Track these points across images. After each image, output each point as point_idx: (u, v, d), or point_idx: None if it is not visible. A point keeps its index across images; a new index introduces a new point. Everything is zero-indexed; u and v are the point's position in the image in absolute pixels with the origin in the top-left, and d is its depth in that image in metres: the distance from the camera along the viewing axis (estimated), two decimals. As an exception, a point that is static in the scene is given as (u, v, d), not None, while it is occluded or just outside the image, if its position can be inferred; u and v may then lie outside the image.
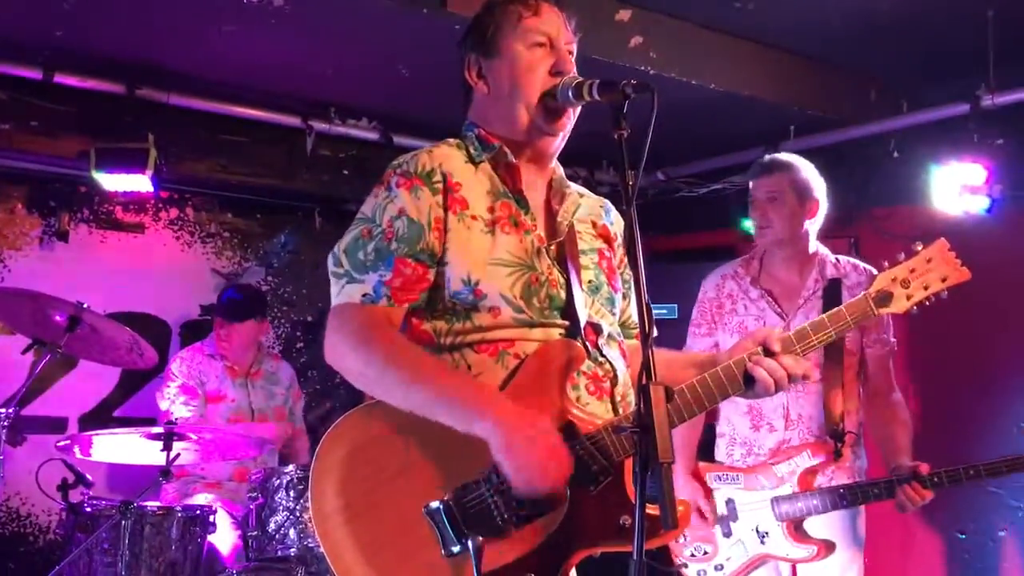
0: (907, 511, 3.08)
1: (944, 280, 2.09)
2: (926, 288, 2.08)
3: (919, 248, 2.10)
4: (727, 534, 3.21)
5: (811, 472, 3.15)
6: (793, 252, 3.31)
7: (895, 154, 4.90)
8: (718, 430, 3.42)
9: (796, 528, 3.13)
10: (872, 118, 4.88)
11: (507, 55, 2.01)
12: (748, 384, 1.91)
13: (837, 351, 3.18)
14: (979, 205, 4.12)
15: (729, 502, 3.22)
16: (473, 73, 2.07)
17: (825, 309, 3.07)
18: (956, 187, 4.17)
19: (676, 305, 5.70)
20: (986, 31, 4.05)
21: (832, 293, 3.17)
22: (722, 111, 4.86)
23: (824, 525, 3.16)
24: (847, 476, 3.22)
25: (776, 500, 3.14)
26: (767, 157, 3.42)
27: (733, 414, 3.35)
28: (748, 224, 5.28)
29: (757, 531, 3.15)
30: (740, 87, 4.59)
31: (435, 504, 1.79)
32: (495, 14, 2.05)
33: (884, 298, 2.07)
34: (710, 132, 5.29)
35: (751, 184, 3.34)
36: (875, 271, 3.17)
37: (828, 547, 3.10)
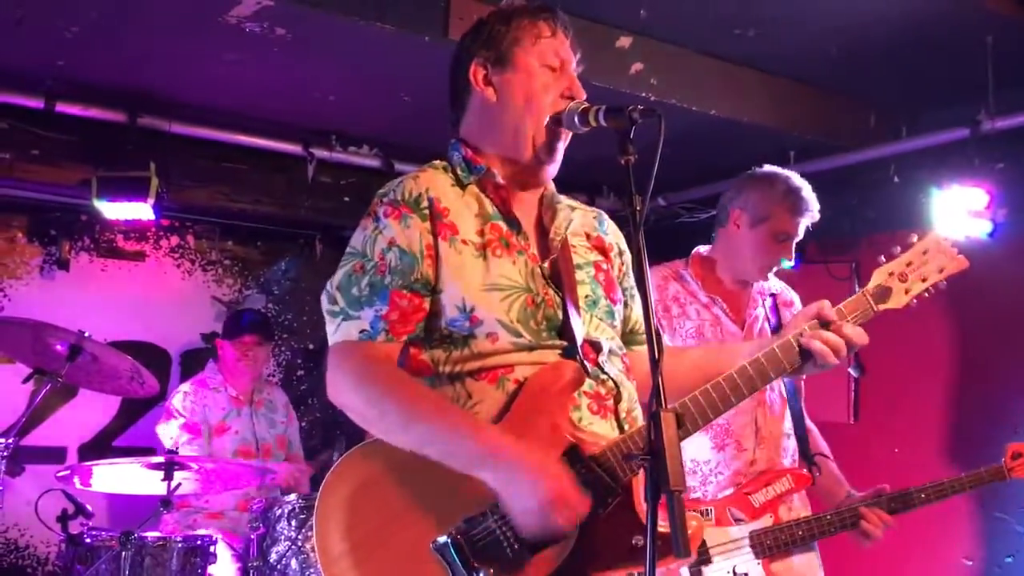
0: (871, 541, 2.83)
1: (942, 271, 2.02)
2: (924, 280, 2.01)
3: (914, 240, 2.03)
4: None
5: (781, 501, 2.85)
6: None
7: (895, 179, 4.91)
8: None
9: (772, 564, 2.80)
10: (872, 143, 4.89)
11: (523, 69, 1.99)
12: (804, 358, 1.91)
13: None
14: (981, 229, 4.12)
15: (699, 544, 2.74)
16: (479, 77, 2.03)
17: (769, 324, 2.99)
18: (957, 212, 4.17)
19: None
20: (985, 56, 4.07)
21: (773, 308, 3.02)
22: (722, 137, 4.87)
23: (799, 562, 2.87)
24: (801, 504, 2.97)
25: (757, 535, 2.79)
26: (805, 187, 2.99)
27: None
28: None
29: (734, 573, 2.78)
30: (740, 113, 4.60)
31: (443, 539, 1.76)
32: (511, 25, 2.02)
33: (882, 294, 1.99)
34: (710, 158, 5.30)
35: (798, 220, 2.95)
36: (792, 291, 3.16)
37: None
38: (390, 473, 1.83)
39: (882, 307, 2.00)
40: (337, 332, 1.90)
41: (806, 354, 1.91)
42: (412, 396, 1.83)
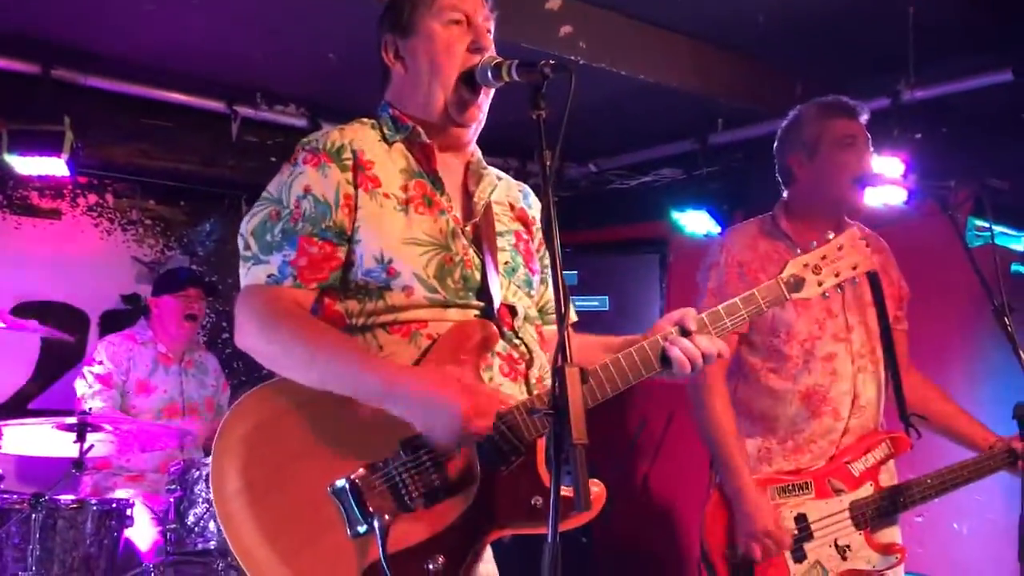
0: None
1: (855, 268, 2.10)
2: (836, 276, 2.09)
3: (831, 236, 2.11)
4: (800, 558, 2.70)
5: (881, 467, 2.79)
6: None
7: (820, 147, 4.97)
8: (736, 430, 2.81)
9: (873, 534, 2.74)
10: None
11: (423, 33, 1.99)
12: (664, 364, 1.90)
13: (887, 327, 2.87)
14: (898, 197, 4.20)
15: (800, 519, 2.72)
16: (390, 54, 2.05)
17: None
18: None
19: (607, 297, 5.74)
20: (907, 27, 4.13)
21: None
22: (651, 103, 4.89)
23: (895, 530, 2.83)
24: (888, 475, 2.86)
25: (857, 504, 2.74)
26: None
27: (774, 400, 2.84)
28: (678, 216, 5.37)
29: (836, 546, 2.71)
30: (669, 79, 4.61)
31: (340, 483, 1.75)
32: None
33: (796, 283, 2.06)
34: (640, 124, 5.32)
35: (850, 119, 2.93)
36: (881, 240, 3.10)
37: (903, 549, 2.76)
38: (294, 413, 1.81)
39: (794, 296, 2.07)
40: (248, 275, 1.89)
41: (666, 360, 1.89)
42: (315, 332, 1.83)
